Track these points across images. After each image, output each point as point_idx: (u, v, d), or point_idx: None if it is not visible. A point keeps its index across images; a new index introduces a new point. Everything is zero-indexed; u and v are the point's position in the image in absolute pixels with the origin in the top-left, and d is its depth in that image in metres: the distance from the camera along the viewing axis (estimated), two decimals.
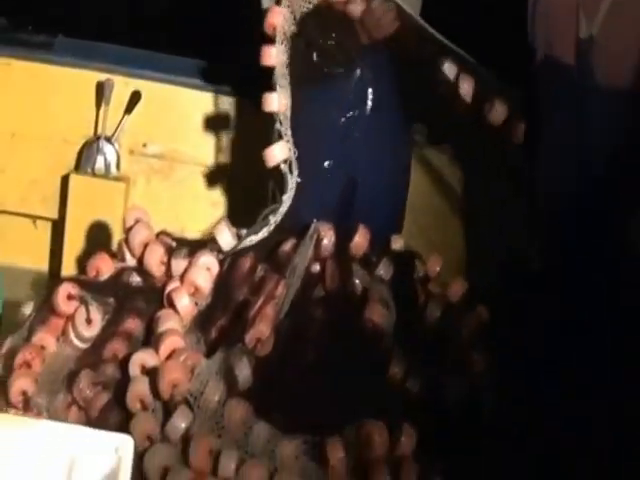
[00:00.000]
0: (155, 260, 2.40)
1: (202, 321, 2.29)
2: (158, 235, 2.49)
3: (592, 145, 2.41)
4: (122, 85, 3.08)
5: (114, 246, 2.61)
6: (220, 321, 2.28)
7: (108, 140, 3.06)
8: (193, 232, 2.64)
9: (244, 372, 2.08)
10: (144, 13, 3.91)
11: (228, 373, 2.06)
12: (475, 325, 2.33)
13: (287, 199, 2.41)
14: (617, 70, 2.38)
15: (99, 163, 3.06)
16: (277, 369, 2.13)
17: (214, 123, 3.06)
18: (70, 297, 2.32)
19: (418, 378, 2.12)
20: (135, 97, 3.07)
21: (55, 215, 3.11)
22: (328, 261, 2.35)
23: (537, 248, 2.59)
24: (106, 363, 2.20)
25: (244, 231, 2.43)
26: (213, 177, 3.11)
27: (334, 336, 2.22)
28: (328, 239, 2.37)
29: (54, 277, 2.87)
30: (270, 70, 2.42)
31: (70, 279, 2.43)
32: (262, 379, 2.10)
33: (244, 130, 3.11)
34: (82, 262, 2.72)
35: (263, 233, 2.38)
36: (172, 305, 2.28)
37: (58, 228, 3.11)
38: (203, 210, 3.09)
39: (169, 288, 2.32)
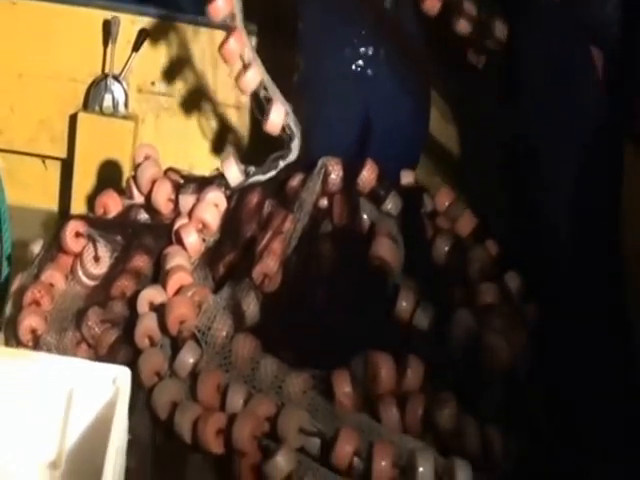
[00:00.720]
0: (163, 197, 2.34)
1: (210, 257, 2.24)
2: (166, 172, 2.44)
3: None
4: (129, 23, 3.00)
5: (124, 184, 2.56)
6: (228, 257, 2.23)
7: (116, 79, 2.99)
8: (202, 170, 2.58)
9: (251, 307, 2.04)
10: None
11: (236, 308, 2.02)
12: (483, 259, 2.28)
13: (295, 148, 2.35)
14: None
15: (107, 102, 2.99)
16: (285, 304, 2.08)
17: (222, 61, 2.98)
18: (78, 235, 2.28)
19: (426, 312, 2.08)
20: (142, 35, 2.99)
21: (64, 154, 3.06)
22: (336, 196, 2.29)
23: None
24: (114, 300, 2.16)
25: (252, 168, 2.37)
26: (223, 114, 3.04)
27: (342, 271, 2.17)
28: (336, 174, 2.30)
29: (64, 216, 2.83)
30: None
31: (78, 217, 2.39)
32: (270, 314, 2.05)
33: None
34: (91, 201, 2.67)
35: (271, 174, 2.32)
36: (180, 242, 2.23)
37: (67, 167, 3.06)
38: (212, 148, 3.03)
39: (177, 225, 2.27)
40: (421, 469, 1.73)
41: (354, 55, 2.60)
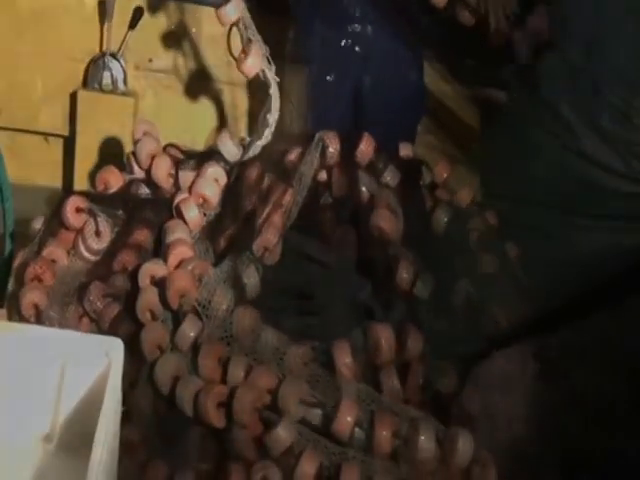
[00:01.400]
0: (163, 172, 2.30)
1: (211, 231, 2.20)
2: (165, 147, 2.40)
3: None
4: (124, 1, 2.94)
5: (125, 160, 2.52)
6: (228, 231, 2.18)
7: (114, 56, 2.95)
8: (202, 145, 2.54)
9: (252, 280, 1.99)
10: None
11: (236, 281, 1.98)
12: (483, 230, 2.24)
13: (275, 98, 2.28)
14: None
15: (106, 79, 2.95)
16: (285, 276, 2.04)
17: (219, 37, 2.94)
18: (79, 210, 2.24)
19: (426, 283, 2.03)
20: (138, 13, 2.94)
21: (66, 132, 3.02)
22: (334, 169, 2.24)
23: None
24: (116, 274, 2.12)
25: (247, 138, 2.33)
26: (220, 91, 3.00)
27: (341, 243, 2.13)
28: (334, 147, 2.25)
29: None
30: None
31: (78, 193, 2.35)
32: (270, 287, 2.01)
33: None
34: (93, 177, 2.63)
35: (267, 137, 2.27)
36: (181, 216, 2.18)
37: (70, 145, 3.02)
38: (211, 123, 2.99)
39: (177, 199, 2.22)
40: (422, 438, 1.70)
41: (347, 32, 2.56)
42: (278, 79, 2.25)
